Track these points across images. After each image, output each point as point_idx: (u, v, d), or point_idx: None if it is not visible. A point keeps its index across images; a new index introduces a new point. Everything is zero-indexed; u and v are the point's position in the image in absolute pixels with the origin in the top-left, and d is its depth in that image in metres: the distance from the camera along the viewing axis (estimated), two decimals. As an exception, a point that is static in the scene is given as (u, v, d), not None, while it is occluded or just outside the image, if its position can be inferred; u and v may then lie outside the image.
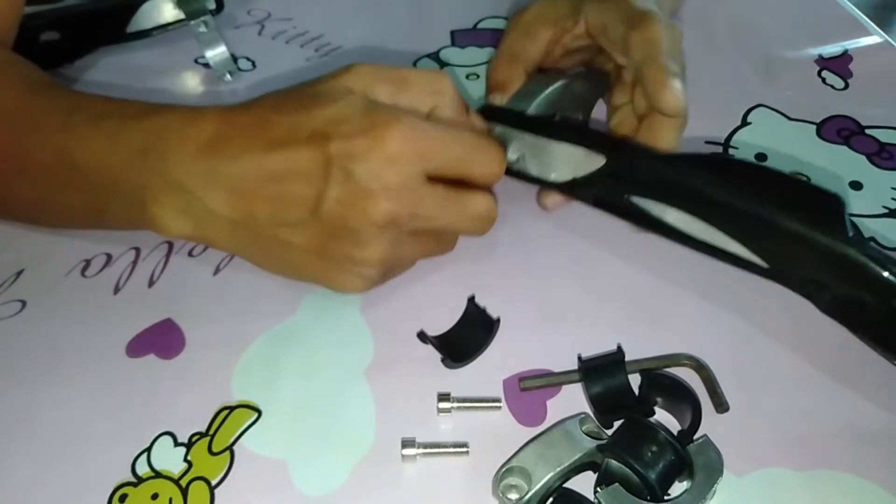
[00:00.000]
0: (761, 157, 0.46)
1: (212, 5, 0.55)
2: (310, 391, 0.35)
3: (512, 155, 0.38)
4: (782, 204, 0.32)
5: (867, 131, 0.48)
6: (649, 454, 0.29)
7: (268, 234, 0.34)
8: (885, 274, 0.30)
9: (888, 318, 0.31)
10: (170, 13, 0.57)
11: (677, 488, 0.30)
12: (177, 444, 0.33)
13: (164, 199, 0.34)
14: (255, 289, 0.39)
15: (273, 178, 0.32)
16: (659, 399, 0.33)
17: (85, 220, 0.40)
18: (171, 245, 0.42)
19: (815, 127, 0.48)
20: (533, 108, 0.41)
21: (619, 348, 0.35)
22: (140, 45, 0.57)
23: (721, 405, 0.33)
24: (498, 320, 0.37)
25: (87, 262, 0.41)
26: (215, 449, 0.33)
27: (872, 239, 0.41)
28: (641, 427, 0.30)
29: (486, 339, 0.36)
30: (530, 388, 0.34)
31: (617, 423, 0.32)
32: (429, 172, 0.33)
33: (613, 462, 0.30)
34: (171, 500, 0.31)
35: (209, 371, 0.36)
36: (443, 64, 0.56)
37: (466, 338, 0.36)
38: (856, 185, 0.44)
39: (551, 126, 0.39)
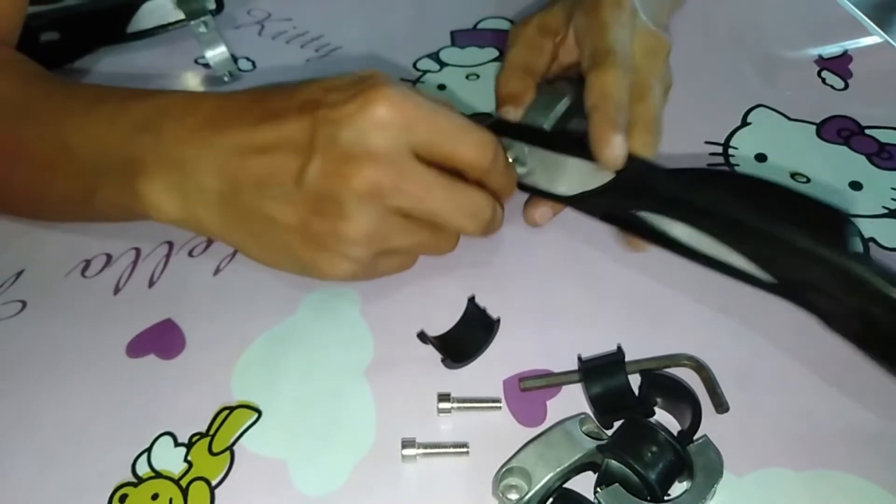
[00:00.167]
0: (761, 157, 0.46)
1: (212, 5, 0.55)
2: (310, 391, 0.35)
3: (521, 169, 0.39)
4: (788, 219, 0.32)
5: (867, 131, 0.48)
6: (649, 454, 0.29)
7: (253, 209, 0.34)
8: (887, 288, 0.30)
9: None
10: (170, 13, 0.57)
11: (677, 488, 0.30)
12: (177, 444, 0.33)
13: (155, 173, 0.34)
14: (255, 289, 0.39)
15: (261, 149, 0.33)
16: (659, 399, 0.33)
17: (77, 208, 0.40)
18: (171, 245, 0.42)
19: (815, 127, 0.48)
20: (549, 122, 0.41)
21: (619, 348, 0.35)
22: (140, 45, 0.57)
23: (721, 405, 0.33)
24: (498, 320, 0.37)
25: (87, 263, 0.41)
26: (215, 449, 0.33)
27: (872, 239, 0.41)
28: (641, 427, 0.30)
29: (486, 339, 0.36)
30: (530, 389, 0.34)
31: (617, 424, 0.32)
32: (417, 146, 0.32)
33: (613, 462, 0.30)
34: (171, 500, 0.31)
35: (209, 371, 0.36)
36: (443, 64, 0.56)
37: (466, 338, 0.36)
38: (856, 185, 0.44)
39: (560, 140, 0.39)
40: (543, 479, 0.29)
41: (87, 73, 0.55)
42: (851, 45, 0.55)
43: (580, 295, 0.38)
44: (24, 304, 0.39)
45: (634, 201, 0.36)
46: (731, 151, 0.47)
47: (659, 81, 0.39)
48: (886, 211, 0.42)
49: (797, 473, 0.31)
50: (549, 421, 0.33)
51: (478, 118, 0.40)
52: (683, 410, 0.33)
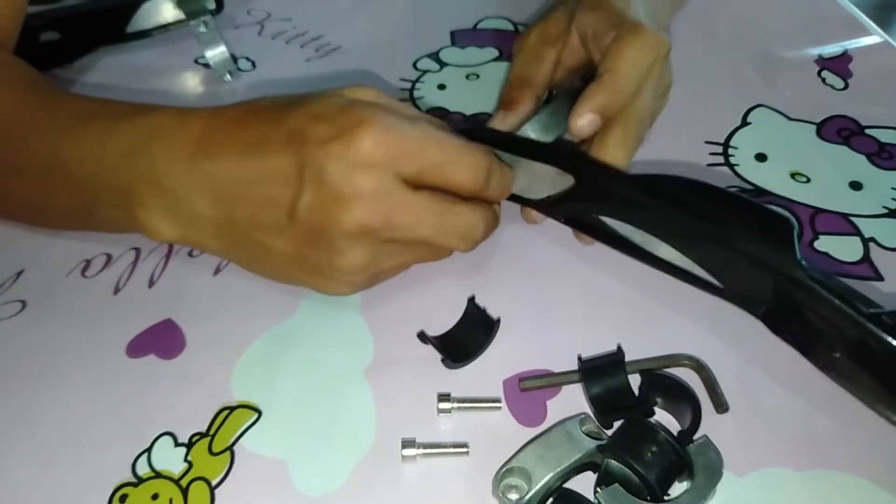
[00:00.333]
0: (761, 157, 0.46)
1: (212, 5, 0.55)
2: (310, 391, 0.35)
3: None
4: (737, 226, 0.33)
5: (867, 131, 0.48)
6: (649, 454, 0.29)
7: (250, 238, 0.34)
8: (827, 295, 0.30)
9: (840, 345, 0.31)
10: (170, 13, 0.57)
11: (677, 488, 0.30)
12: (177, 444, 0.33)
13: (150, 201, 0.34)
14: (255, 289, 0.39)
15: (252, 182, 0.32)
16: (659, 399, 0.33)
17: (79, 222, 0.40)
18: (171, 245, 0.42)
19: (815, 127, 0.48)
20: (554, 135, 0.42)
21: (619, 348, 0.35)
22: (140, 45, 0.57)
23: (721, 405, 0.33)
24: (498, 320, 0.37)
25: (87, 263, 0.41)
26: (215, 449, 0.33)
27: (872, 239, 0.41)
28: (641, 427, 0.30)
29: (486, 339, 0.36)
30: (530, 389, 0.34)
31: (617, 424, 0.32)
32: (405, 177, 0.32)
33: (613, 462, 0.30)
34: (171, 500, 0.31)
35: (209, 371, 0.36)
36: (443, 64, 0.56)
37: (466, 338, 0.36)
38: (856, 185, 0.44)
39: (527, 145, 0.40)
40: (543, 479, 0.29)
41: (86, 72, 0.55)
42: (851, 45, 0.55)
43: (580, 295, 0.38)
44: (24, 304, 0.39)
45: (594, 205, 0.37)
46: (730, 151, 0.47)
47: (651, 83, 0.39)
48: (886, 211, 0.42)
49: (797, 473, 0.31)
50: (549, 421, 0.33)
51: (477, 118, 0.41)
52: (683, 410, 0.33)
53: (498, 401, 0.34)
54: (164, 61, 0.56)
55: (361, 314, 0.38)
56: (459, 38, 0.59)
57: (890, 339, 0.28)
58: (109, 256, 0.41)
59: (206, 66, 0.55)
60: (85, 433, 0.33)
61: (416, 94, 0.53)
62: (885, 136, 0.47)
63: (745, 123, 0.49)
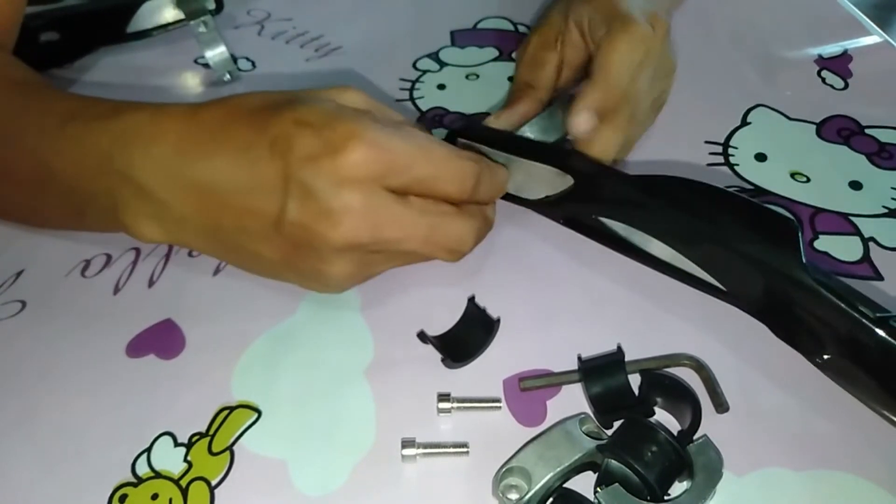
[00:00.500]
0: (761, 157, 0.46)
1: (212, 5, 0.55)
2: (310, 391, 0.35)
3: None
4: (738, 227, 0.33)
5: (867, 131, 0.48)
6: (649, 454, 0.29)
7: (237, 243, 0.33)
8: (833, 299, 0.30)
9: (842, 346, 0.31)
10: (170, 13, 0.57)
11: (677, 488, 0.30)
12: (177, 444, 0.33)
13: (134, 205, 0.33)
14: (255, 289, 0.39)
15: (236, 191, 0.32)
16: (659, 399, 0.33)
17: (73, 223, 0.40)
18: (170, 246, 0.42)
19: (815, 127, 0.48)
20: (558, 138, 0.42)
21: (619, 348, 0.35)
22: (140, 45, 0.57)
23: (721, 405, 0.33)
24: (498, 320, 0.37)
25: (87, 263, 0.41)
26: (215, 449, 0.33)
27: (872, 239, 0.41)
28: (641, 427, 0.30)
29: (486, 339, 0.36)
30: (530, 388, 0.34)
31: (617, 423, 0.32)
32: (393, 189, 0.31)
33: (613, 462, 0.30)
34: (171, 500, 0.31)
35: (209, 371, 0.36)
36: (443, 64, 0.56)
37: (466, 338, 0.36)
38: (856, 185, 0.44)
39: (525, 145, 0.40)
40: (543, 478, 0.29)
41: (86, 72, 0.55)
42: (851, 44, 0.55)
43: (580, 295, 0.38)
44: (23, 304, 0.39)
45: (593, 206, 0.37)
46: (730, 151, 0.47)
47: (646, 75, 0.39)
48: (886, 211, 0.42)
49: (797, 473, 0.31)
50: (549, 421, 0.33)
51: (477, 118, 0.41)
52: (683, 410, 0.32)
53: (498, 401, 0.34)
54: (164, 61, 0.56)
55: (361, 314, 0.38)
56: (459, 38, 0.59)
57: None
58: (109, 256, 0.41)
59: (206, 66, 0.55)
60: (85, 433, 0.33)
61: (416, 94, 0.53)
62: (884, 136, 0.47)
63: (744, 123, 0.49)
